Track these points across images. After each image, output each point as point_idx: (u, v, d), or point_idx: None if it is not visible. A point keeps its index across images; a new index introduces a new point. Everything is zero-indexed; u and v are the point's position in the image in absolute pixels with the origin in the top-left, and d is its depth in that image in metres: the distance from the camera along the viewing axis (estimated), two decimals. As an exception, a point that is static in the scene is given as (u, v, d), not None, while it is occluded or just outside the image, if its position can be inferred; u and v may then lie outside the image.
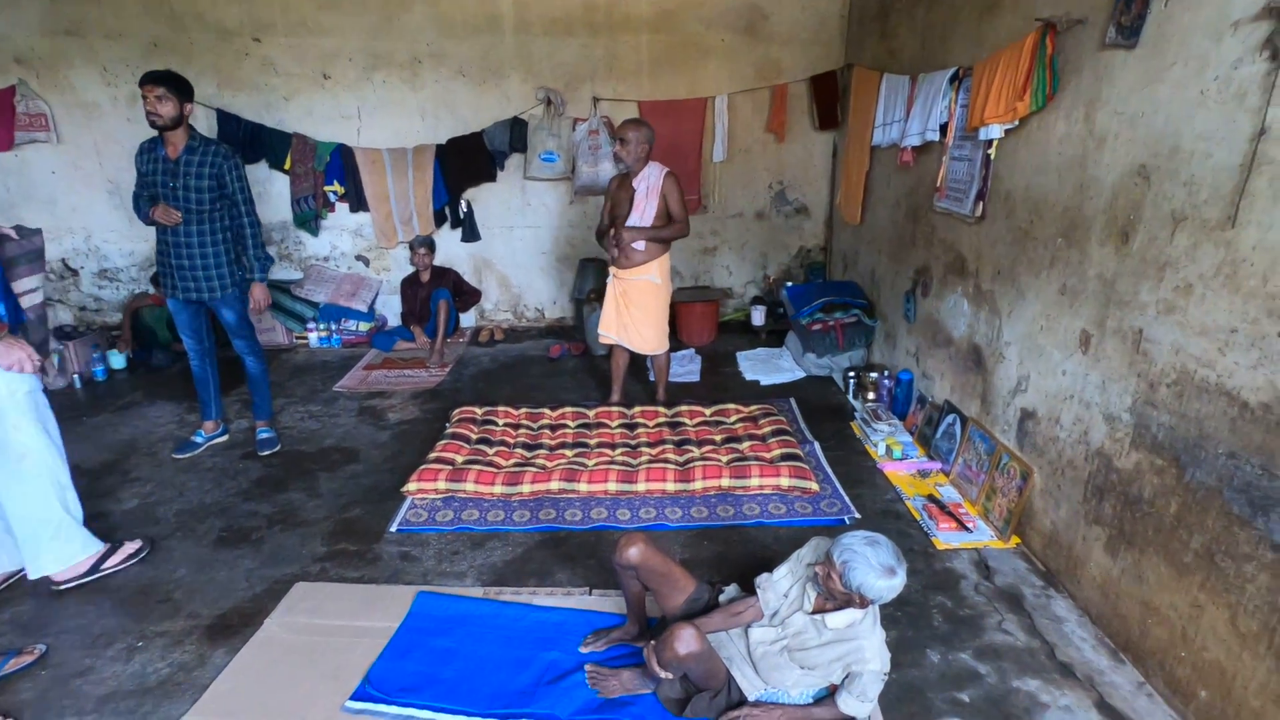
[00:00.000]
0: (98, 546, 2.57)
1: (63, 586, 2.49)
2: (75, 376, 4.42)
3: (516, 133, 5.21)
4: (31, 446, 2.38)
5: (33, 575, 2.47)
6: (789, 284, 5.20)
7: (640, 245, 3.56)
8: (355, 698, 2.02)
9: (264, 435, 3.62)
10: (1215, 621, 1.82)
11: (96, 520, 2.94)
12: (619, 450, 3.40)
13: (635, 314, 3.73)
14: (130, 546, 2.66)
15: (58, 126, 5.06)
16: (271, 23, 4.94)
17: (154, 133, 3.12)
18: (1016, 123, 2.68)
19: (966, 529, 2.77)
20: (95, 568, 2.54)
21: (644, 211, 3.53)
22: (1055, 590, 2.46)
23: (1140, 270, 2.08)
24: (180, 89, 3.05)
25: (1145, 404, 2.06)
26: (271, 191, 5.30)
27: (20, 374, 2.34)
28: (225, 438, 3.70)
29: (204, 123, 4.98)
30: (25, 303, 2.45)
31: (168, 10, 4.86)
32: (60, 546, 2.48)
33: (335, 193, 5.31)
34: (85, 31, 4.88)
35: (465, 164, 5.28)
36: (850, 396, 4.14)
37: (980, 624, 2.30)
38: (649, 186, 3.52)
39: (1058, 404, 2.50)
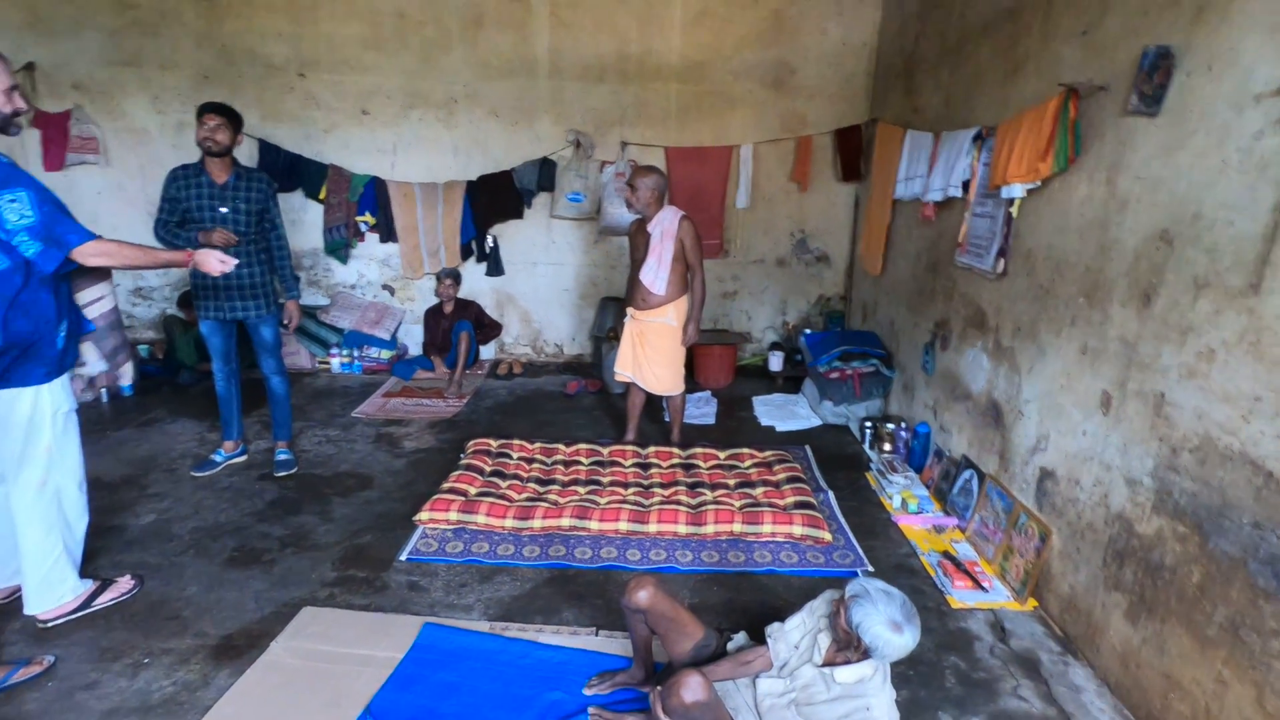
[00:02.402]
0: (86, 586, 2.50)
1: (49, 624, 2.40)
2: (103, 391, 4.51)
3: (545, 172, 5.35)
4: (54, 473, 2.35)
5: (29, 610, 2.38)
6: (808, 331, 5.22)
7: (661, 289, 3.62)
8: (355, 728, 2.00)
9: (282, 456, 3.66)
10: (1241, 699, 1.76)
11: (113, 534, 2.98)
12: (631, 490, 3.39)
13: (650, 354, 3.77)
14: (123, 584, 2.59)
15: (107, 150, 5.28)
16: (317, 59, 5.16)
17: (189, 159, 3.26)
18: (1039, 183, 2.71)
19: (982, 588, 2.72)
20: (86, 604, 2.46)
21: (660, 255, 3.61)
22: (1073, 657, 2.39)
23: (1162, 333, 2.07)
24: (234, 120, 3.23)
25: (1167, 469, 2.04)
26: (305, 219, 5.46)
27: (62, 393, 2.34)
28: (244, 458, 3.74)
29: (245, 152, 5.15)
30: (91, 312, 2.50)
31: (220, 45, 5.10)
32: (51, 586, 2.39)
33: (366, 223, 5.45)
34: (141, 62, 5.13)
35: (494, 200, 5.41)
36: (866, 447, 4.11)
37: (995, 688, 2.24)
38: (663, 230, 3.60)
39: (1078, 465, 2.47)
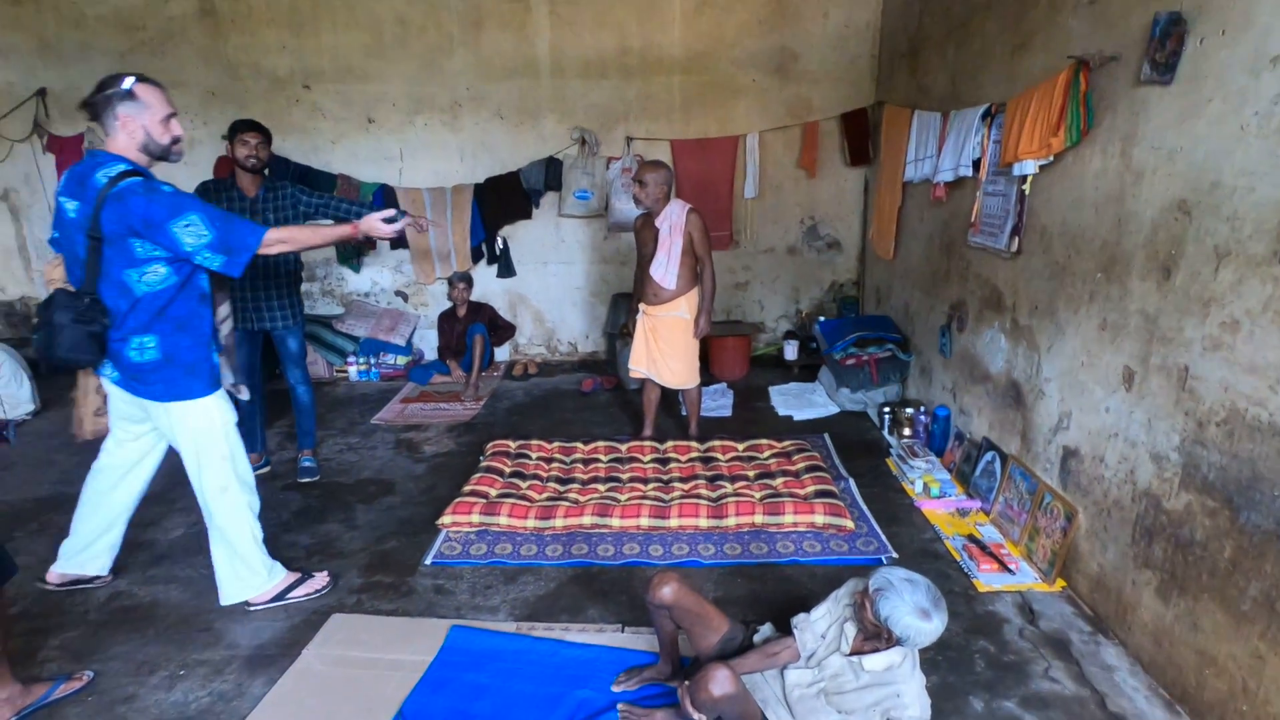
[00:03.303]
0: (283, 574, 2.66)
1: (256, 608, 2.59)
2: (127, 408, 4.58)
3: (552, 171, 5.35)
4: (231, 478, 2.48)
5: (224, 602, 2.58)
6: (822, 318, 5.19)
7: (672, 284, 3.62)
8: (389, 732, 2.03)
9: (306, 464, 3.70)
10: (1279, 674, 1.73)
11: (143, 549, 3.04)
12: (651, 485, 3.40)
13: (665, 349, 3.77)
14: (319, 580, 2.71)
15: (120, 171, 5.35)
16: (321, 70, 5.20)
17: (201, 177, 3.32)
18: (1051, 158, 2.67)
19: (1009, 570, 2.69)
20: (282, 595, 2.63)
21: (670, 250, 3.61)
22: (1104, 636, 2.36)
23: (1184, 306, 2.04)
24: (268, 136, 3.34)
25: (1194, 443, 2.01)
26: (317, 230, 5.50)
27: (226, 404, 2.46)
28: (268, 469, 3.79)
29: (255, 166, 5.22)
30: (224, 329, 2.60)
31: (225, 61, 5.15)
32: (244, 579, 2.58)
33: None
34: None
35: (502, 202, 5.43)
36: (885, 432, 4.08)
37: (1026, 670, 2.22)
38: (672, 225, 3.60)
39: (1102, 442, 2.44)
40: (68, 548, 2.67)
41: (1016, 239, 2.97)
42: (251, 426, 3.67)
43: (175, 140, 2.30)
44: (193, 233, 2.18)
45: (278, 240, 2.34)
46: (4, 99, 5.22)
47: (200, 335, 2.37)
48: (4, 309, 5.72)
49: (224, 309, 2.59)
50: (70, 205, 2.21)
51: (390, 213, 2.56)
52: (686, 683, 1.84)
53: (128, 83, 2.17)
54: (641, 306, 3.80)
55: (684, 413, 4.17)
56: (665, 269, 3.62)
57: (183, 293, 2.30)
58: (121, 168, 2.16)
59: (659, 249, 3.62)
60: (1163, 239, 2.12)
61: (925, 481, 3.34)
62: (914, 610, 1.66)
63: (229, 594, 2.59)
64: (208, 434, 2.42)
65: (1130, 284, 2.28)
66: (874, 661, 1.76)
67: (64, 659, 2.37)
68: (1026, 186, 2.86)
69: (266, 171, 3.40)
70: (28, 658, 2.34)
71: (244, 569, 2.58)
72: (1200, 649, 1.98)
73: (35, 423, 4.53)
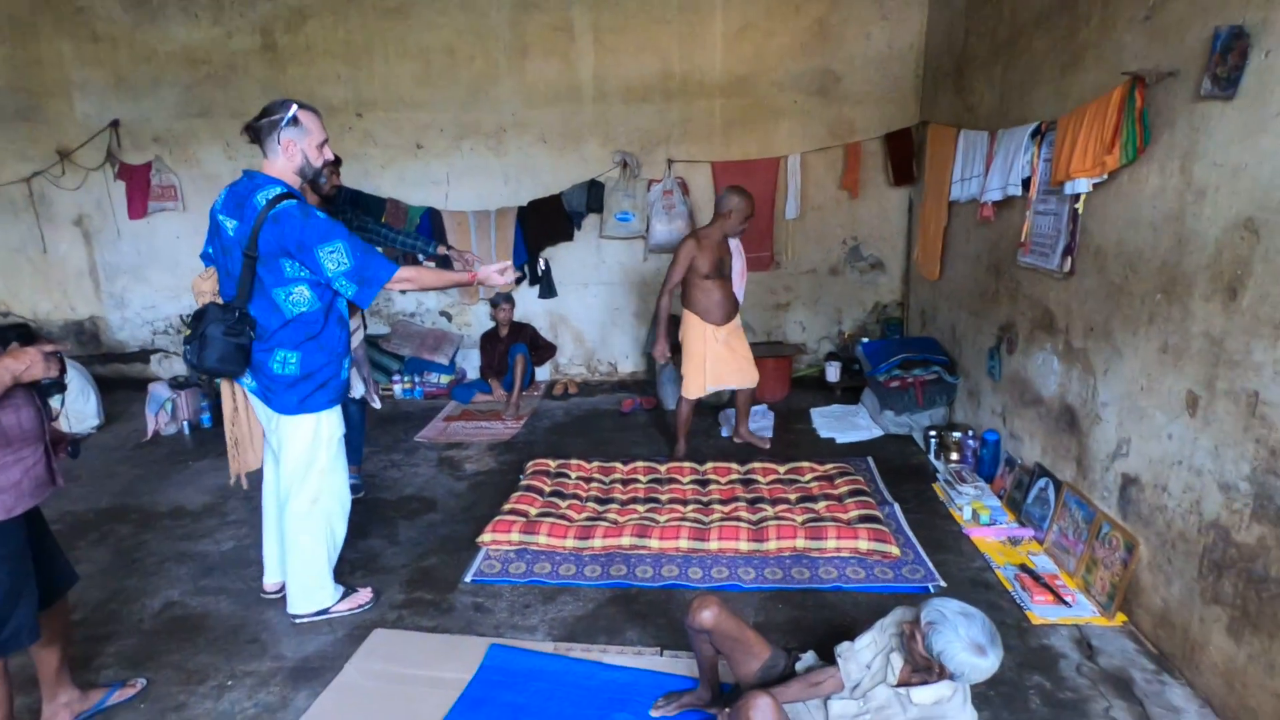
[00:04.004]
0: (339, 592, 2.70)
1: (301, 620, 2.64)
2: (185, 424, 4.76)
3: (593, 194, 5.42)
4: (324, 492, 2.56)
5: (291, 611, 2.63)
6: (865, 340, 5.11)
7: (743, 297, 4.06)
8: (427, 749, 2.03)
9: (352, 480, 3.76)
10: (1366, 722, 1.61)
11: (196, 560, 3.13)
12: (690, 507, 3.37)
13: (744, 354, 4.01)
14: (363, 595, 2.75)
15: (184, 196, 5.62)
16: (373, 99, 5.39)
17: None
18: (1105, 176, 2.60)
19: (1065, 603, 2.58)
20: (324, 610, 2.66)
21: (741, 268, 3.98)
22: (1170, 675, 2.24)
23: (1252, 328, 1.95)
24: (339, 164, 3.56)
25: (1266, 472, 1.90)
26: (366, 252, 5.68)
27: (336, 419, 2.55)
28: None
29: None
30: (354, 341, 2.74)
31: (283, 91, 5.36)
32: (312, 592, 2.62)
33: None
34: (213, 113, 5.45)
35: (544, 224, 5.51)
36: (932, 456, 3.98)
37: (1084, 709, 2.11)
38: (736, 245, 3.94)
39: (1164, 470, 2.33)
40: (267, 558, 2.79)
41: (1069, 259, 2.89)
42: (357, 441, 3.77)
43: (325, 163, 2.41)
44: (335, 259, 2.28)
45: (405, 279, 2.41)
46: (81, 130, 5.55)
47: (334, 354, 2.48)
48: (74, 328, 6.01)
49: (353, 321, 2.69)
50: (230, 224, 2.34)
51: (506, 264, 2.62)
52: (727, 710, 1.80)
53: (292, 109, 2.29)
54: (713, 327, 3.86)
55: (724, 433, 4.14)
56: (740, 284, 3.95)
57: (328, 318, 2.42)
58: (278, 190, 2.28)
59: (737, 267, 3.87)
60: (1228, 259, 2.04)
61: (974, 508, 3.24)
62: (969, 646, 1.60)
63: (298, 604, 2.63)
64: (314, 446, 2.49)
65: (1193, 305, 2.19)
66: (923, 695, 1.70)
67: (119, 666, 2.44)
68: (1080, 205, 2.78)
69: None
70: (85, 664, 2.42)
71: (314, 583, 2.61)
72: (1277, 692, 1.86)
73: (99, 436, 4.73)
